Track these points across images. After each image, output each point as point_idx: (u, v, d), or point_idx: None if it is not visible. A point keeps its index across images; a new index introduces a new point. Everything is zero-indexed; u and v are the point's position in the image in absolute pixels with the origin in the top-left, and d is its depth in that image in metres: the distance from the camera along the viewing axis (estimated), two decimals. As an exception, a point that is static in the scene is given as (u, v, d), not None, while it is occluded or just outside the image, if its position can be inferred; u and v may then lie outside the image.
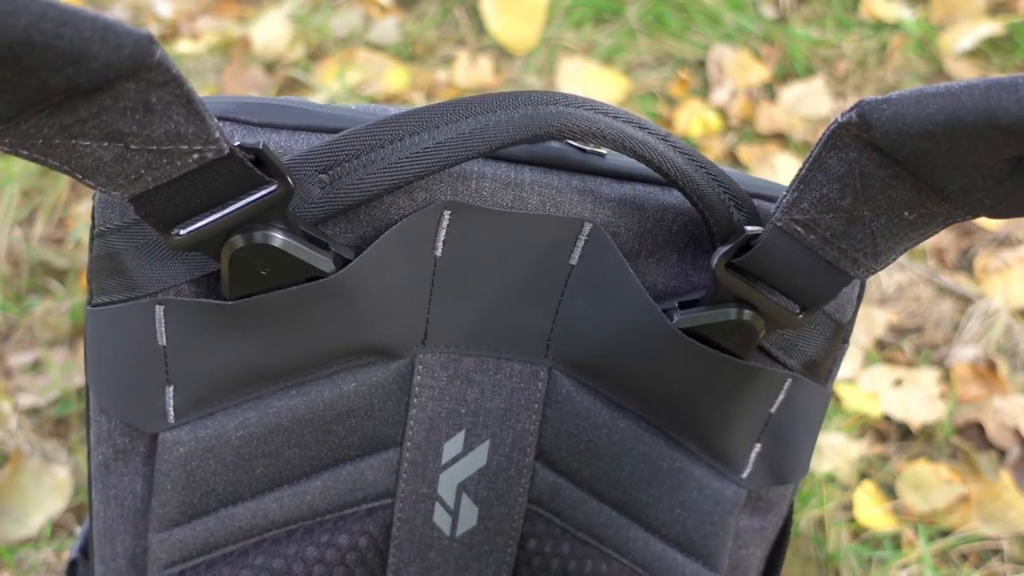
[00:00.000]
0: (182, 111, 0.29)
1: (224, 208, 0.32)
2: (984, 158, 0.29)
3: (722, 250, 0.35)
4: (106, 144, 0.29)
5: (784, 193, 0.34)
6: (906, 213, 0.32)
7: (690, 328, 0.37)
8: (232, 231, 0.33)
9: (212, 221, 0.33)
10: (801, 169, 0.33)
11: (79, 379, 0.87)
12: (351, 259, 0.35)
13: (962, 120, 0.27)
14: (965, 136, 0.28)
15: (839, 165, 0.31)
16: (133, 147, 0.29)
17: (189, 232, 0.33)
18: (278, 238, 0.33)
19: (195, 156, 0.30)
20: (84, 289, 0.96)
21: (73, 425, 0.85)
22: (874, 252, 0.33)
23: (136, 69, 0.27)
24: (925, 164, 0.30)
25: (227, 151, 0.31)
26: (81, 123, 0.28)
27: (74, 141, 0.28)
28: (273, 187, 0.32)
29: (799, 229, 0.33)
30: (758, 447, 0.41)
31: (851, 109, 0.30)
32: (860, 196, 0.32)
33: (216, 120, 0.30)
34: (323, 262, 0.34)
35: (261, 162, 0.32)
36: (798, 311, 0.36)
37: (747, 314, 0.36)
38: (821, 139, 0.32)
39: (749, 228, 0.35)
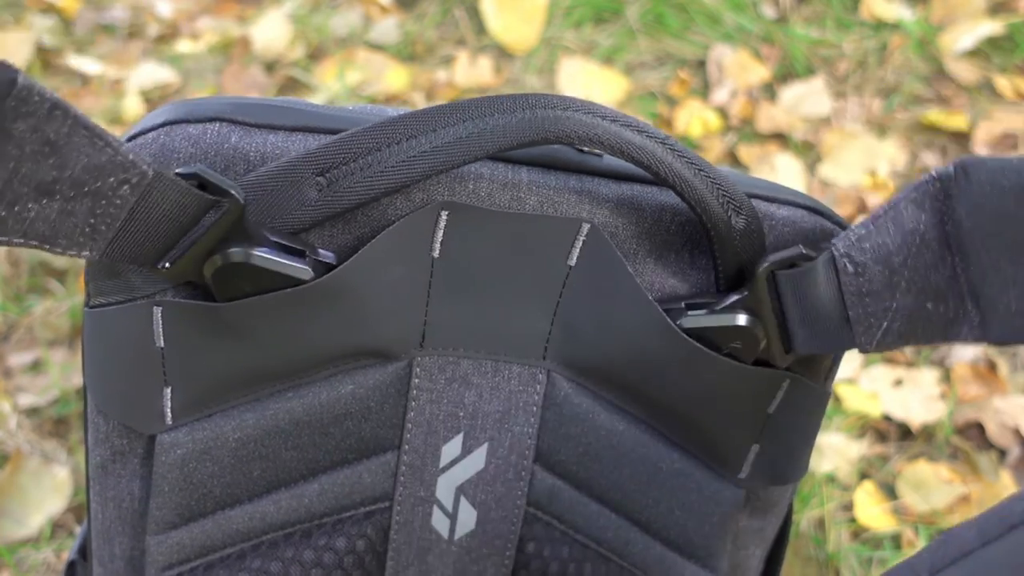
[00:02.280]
0: (85, 141, 0.28)
1: (193, 234, 0.33)
2: None
3: (774, 257, 0.36)
4: (44, 200, 0.28)
5: (853, 227, 0.34)
6: (929, 304, 0.32)
7: (692, 329, 0.37)
8: (206, 254, 0.34)
9: (188, 249, 0.33)
10: (879, 209, 0.33)
11: (79, 379, 0.87)
12: (333, 264, 0.35)
13: None
14: None
15: (910, 221, 0.31)
16: (69, 196, 0.29)
17: (173, 264, 0.33)
18: (252, 254, 0.34)
19: (125, 188, 0.30)
20: (83, 289, 0.96)
21: (73, 425, 0.85)
22: (885, 330, 0.33)
23: (13, 104, 0.26)
24: (985, 240, 0.30)
25: (151, 174, 0.30)
26: (9, 184, 0.27)
27: (17, 208, 0.28)
28: (220, 203, 0.33)
29: (849, 268, 0.33)
30: (756, 448, 0.41)
31: (953, 163, 0.30)
32: (907, 261, 0.32)
33: (128, 146, 0.30)
34: (300, 271, 0.35)
35: (204, 185, 0.32)
36: (787, 349, 0.37)
37: (757, 323, 0.37)
38: (908, 188, 0.32)
39: (804, 249, 0.36)
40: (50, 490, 0.80)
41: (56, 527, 0.79)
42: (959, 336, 0.31)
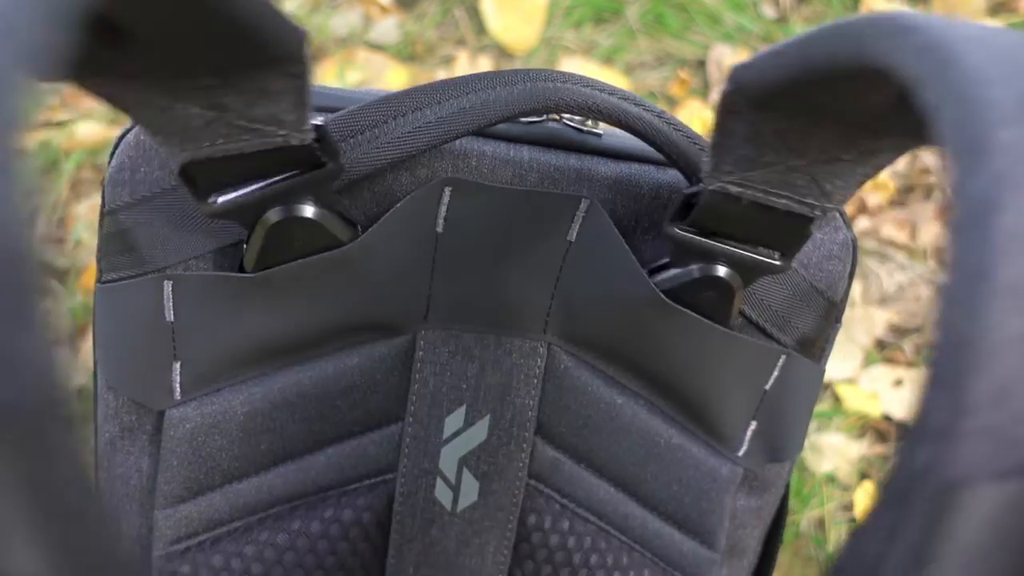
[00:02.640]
0: (291, 100, 0.29)
1: (267, 180, 0.32)
2: (854, 102, 0.27)
3: (670, 211, 0.35)
4: (202, 111, 0.28)
5: (704, 160, 0.33)
6: (843, 155, 0.30)
7: (667, 293, 0.37)
8: (268, 203, 0.33)
9: (250, 192, 0.32)
10: (711, 136, 0.32)
11: (79, 379, 0.87)
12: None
13: (795, 79, 0.27)
14: (814, 87, 0.27)
15: (744, 127, 0.30)
16: (225, 118, 0.28)
17: (227, 200, 0.32)
18: (313, 210, 0.34)
19: (278, 139, 0.30)
20: (84, 289, 0.96)
21: (73, 425, 0.85)
22: (823, 193, 0.32)
23: (285, 61, 0.27)
24: (817, 112, 0.29)
25: (309, 141, 0.31)
26: (192, 90, 0.27)
27: (173, 104, 0.27)
28: (325, 164, 0.32)
29: (732, 188, 0.32)
30: (754, 424, 0.41)
31: (729, 77, 0.30)
32: (782, 149, 0.30)
33: (317, 113, 0.30)
34: (351, 238, 0.35)
35: (319, 139, 0.32)
36: (777, 256, 0.36)
37: (716, 269, 0.36)
38: (717, 108, 0.31)
39: (689, 189, 0.35)
40: (50, 490, 0.80)
41: (56, 527, 0.79)
42: (904, 148, 0.30)
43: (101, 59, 0.24)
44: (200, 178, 0.32)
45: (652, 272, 0.38)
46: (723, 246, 0.35)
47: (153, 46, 0.25)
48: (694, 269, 0.37)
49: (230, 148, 0.30)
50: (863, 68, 0.23)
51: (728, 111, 0.30)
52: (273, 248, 0.35)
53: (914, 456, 0.16)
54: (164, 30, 0.24)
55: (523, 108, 0.34)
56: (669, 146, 0.35)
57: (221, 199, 0.32)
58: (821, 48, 0.25)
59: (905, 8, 1.23)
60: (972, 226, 0.16)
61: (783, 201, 0.33)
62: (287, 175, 0.32)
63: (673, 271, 0.37)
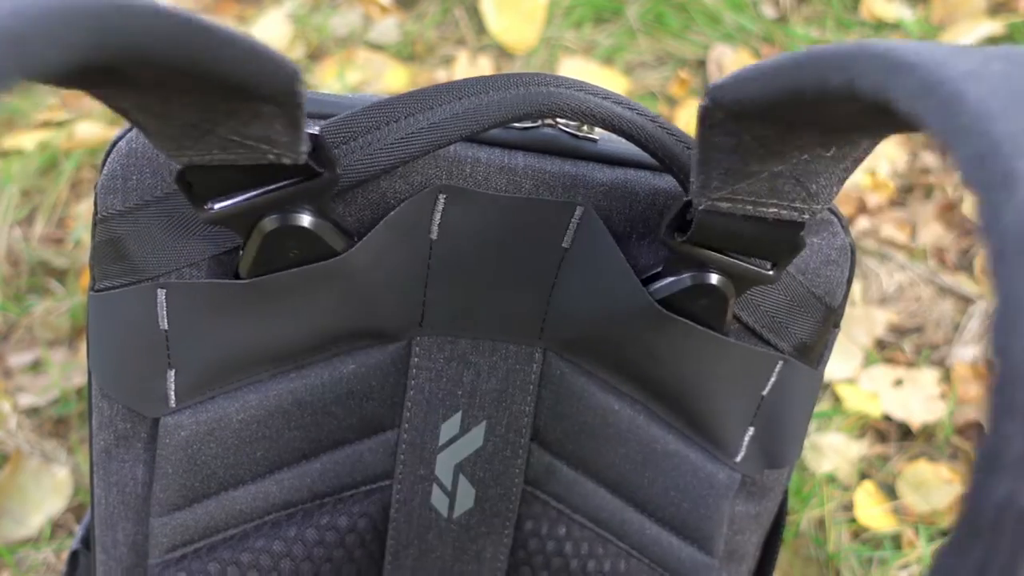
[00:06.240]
0: (284, 123, 0.29)
1: (263, 188, 0.32)
2: (833, 113, 0.28)
3: (667, 220, 0.35)
4: (197, 123, 0.28)
5: (691, 178, 0.33)
6: (821, 151, 0.31)
7: (661, 301, 0.37)
8: (264, 211, 0.33)
9: (247, 199, 0.32)
10: (695, 153, 0.32)
11: (79, 379, 0.87)
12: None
13: (779, 100, 0.27)
14: (792, 107, 0.27)
15: (727, 139, 0.31)
16: (221, 133, 0.29)
17: (223, 207, 0.33)
18: (309, 219, 0.34)
19: (272, 156, 0.30)
20: (84, 289, 0.96)
21: (73, 425, 0.85)
22: (810, 195, 0.32)
23: (275, 95, 0.27)
24: (795, 120, 0.29)
25: (303, 161, 0.31)
26: (186, 104, 0.28)
27: (168, 111, 0.28)
28: (322, 173, 0.33)
29: (723, 204, 0.33)
30: (751, 431, 0.41)
31: (706, 94, 0.30)
32: (765, 156, 0.31)
33: (308, 136, 0.30)
34: (345, 247, 0.35)
35: (315, 148, 0.32)
36: (769, 267, 0.36)
37: (710, 277, 0.36)
38: (698, 124, 0.31)
39: (685, 198, 0.35)
40: (50, 490, 0.80)
41: (56, 527, 0.78)
42: (881, 136, 0.31)
43: (96, 79, 0.25)
44: (197, 184, 0.32)
45: (647, 281, 0.37)
46: (716, 255, 0.35)
47: (149, 86, 0.25)
48: (687, 277, 0.36)
49: (226, 158, 0.30)
50: (854, 97, 0.24)
51: (709, 125, 0.30)
52: (268, 256, 0.35)
53: (993, 488, 0.16)
54: (159, 81, 0.25)
55: (516, 113, 0.34)
56: (663, 151, 0.35)
57: (218, 205, 0.32)
58: (808, 75, 0.26)
59: (905, 8, 1.23)
60: (1014, 255, 0.17)
61: (772, 210, 0.33)
62: (283, 184, 0.32)
63: (667, 280, 0.37)
